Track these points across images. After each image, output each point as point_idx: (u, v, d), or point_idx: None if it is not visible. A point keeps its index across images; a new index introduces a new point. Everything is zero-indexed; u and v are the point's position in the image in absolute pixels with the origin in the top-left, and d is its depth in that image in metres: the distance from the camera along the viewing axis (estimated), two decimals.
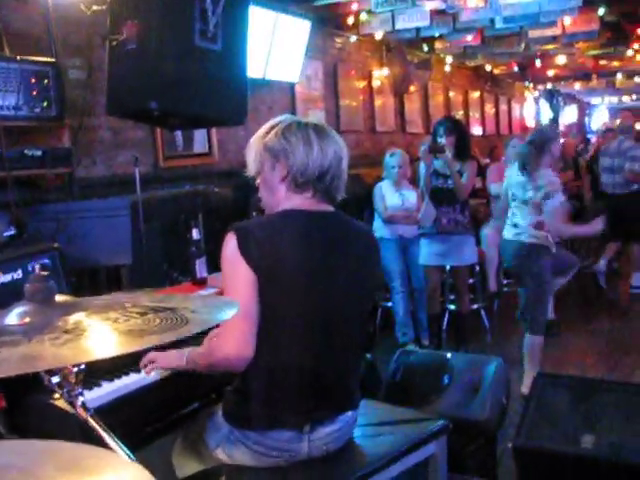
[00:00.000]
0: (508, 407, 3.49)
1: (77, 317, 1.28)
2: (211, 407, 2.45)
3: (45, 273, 1.32)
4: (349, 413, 2.30)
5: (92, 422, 1.38)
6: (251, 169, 2.25)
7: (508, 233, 4.90)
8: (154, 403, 2.46)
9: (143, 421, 2.43)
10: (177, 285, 3.63)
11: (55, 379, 1.42)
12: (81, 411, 1.39)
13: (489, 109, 13.62)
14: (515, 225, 4.84)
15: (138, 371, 2.38)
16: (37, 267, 1.33)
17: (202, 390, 2.64)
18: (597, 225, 4.67)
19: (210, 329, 2.14)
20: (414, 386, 3.48)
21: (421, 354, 4.05)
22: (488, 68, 12.43)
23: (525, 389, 4.73)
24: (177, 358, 2.29)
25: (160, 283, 3.87)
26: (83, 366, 1.39)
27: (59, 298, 1.34)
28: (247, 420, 2.17)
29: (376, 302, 6.36)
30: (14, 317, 1.30)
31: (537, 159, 4.69)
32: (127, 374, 2.37)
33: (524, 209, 4.76)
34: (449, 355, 3.63)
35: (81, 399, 1.41)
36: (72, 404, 1.40)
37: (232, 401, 2.25)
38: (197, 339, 2.16)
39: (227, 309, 1.31)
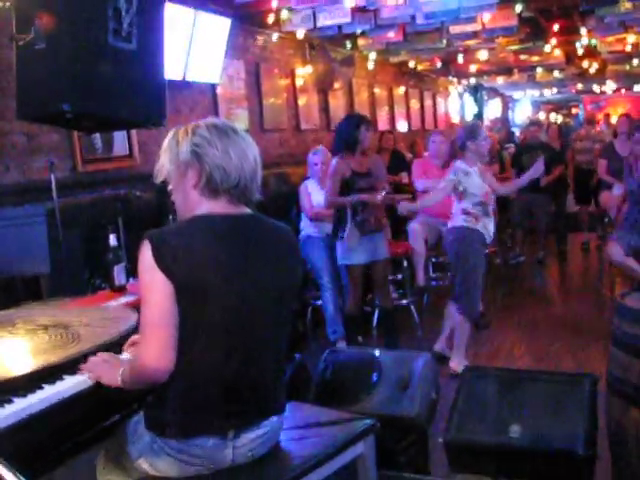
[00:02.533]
0: (438, 401, 3.50)
1: None
2: (132, 417, 2.38)
3: None
4: (274, 418, 2.27)
5: None
6: (161, 175, 2.20)
7: None
8: (73, 417, 2.36)
9: (63, 436, 2.33)
10: (97, 293, 3.53)
11: None
12: None
13: (414, 105, 13.73)
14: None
15: (53, 383, 2.28)
16: None
17: (123, 401, 2.55)
18: None
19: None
20: (344, 385, 3.47)
21: (350, 352, 4.05)
22: (412, 64, 12.52)
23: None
24: (114, 377, 2.22)
25: (81, 291, 3.77)
26: None
27: None
28: (168, 428, 2.12)
29: (306, 300, 6.34)
30: None
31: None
32: (42, 388, 2.27)
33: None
34: (377, 352, 3.62)
35: None
36: None
37: (152, 409, 2.20)
38: None
39: (123, 322, 1.24)
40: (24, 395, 2.15)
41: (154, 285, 2.03)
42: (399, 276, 6.65)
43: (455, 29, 8.80)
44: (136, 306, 2.48)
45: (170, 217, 4.08)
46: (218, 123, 2.19)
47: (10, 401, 2.10)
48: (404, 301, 6.55)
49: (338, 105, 10.11)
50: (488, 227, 5.08)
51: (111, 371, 2.23)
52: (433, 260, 7.40)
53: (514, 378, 3.41)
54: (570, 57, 12.39)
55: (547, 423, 3.08)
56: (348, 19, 7.39)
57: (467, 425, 3.22)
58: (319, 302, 6.09)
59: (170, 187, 2.23)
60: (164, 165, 2.19)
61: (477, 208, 4.99)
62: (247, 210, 2.22)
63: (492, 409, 3.25)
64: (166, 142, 2.20)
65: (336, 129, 5.65)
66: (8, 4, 3.72)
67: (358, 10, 7.45)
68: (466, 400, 3.33)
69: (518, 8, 7.91)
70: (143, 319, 2.07)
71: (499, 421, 3.17)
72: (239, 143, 2.14)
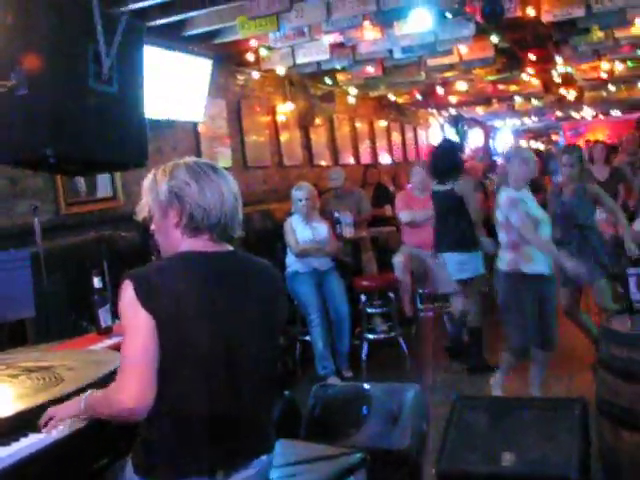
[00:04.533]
0: (428, 432, 3.49)
1: None
2: (121, 459, 2.35)
3: None
4: (264, 457, 2.24)
5: None
6: (142, 213, 2.21)
7: None
8: (61, 462, 2.33)
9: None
10: (82, 336, 3.51)
11: None
12: None
13: (395, 137, 13.87)
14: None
15: (39, 431, 2.26)
16: None
17: (111, 444, 2.52)
18: None
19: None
20: (333, 420, 3.45)
21: (339, 387, 4.03)
22: (392, 97, 12.67)
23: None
24: (74, 406, 2.21)
25: (67, 334, 3.74)
26: None
27: None
28: (155, 471, 2.10)
29: (294, 336, 6.32)
30: None
31: None
32: (26, 435, 2.24)
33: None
34: (367, 385, 3.61)
35: None
36: None
37: (139, 452, 2.16)
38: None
39: (106, 365, 1.24)
40: (7, 444, 2.13)
41: (136, 322, 2.02)
42: (386, 309, 6.65)
43: (433, 62, 8.93)
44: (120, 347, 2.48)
45: (153, 257, 4.08)
46: (196, 162, 2.20)
47: None
48: (392, 333, 6.54)
49: (320, 141, 10.21)
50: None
51: (70, 407, 2.22)
52: (420, 291, 7.42)
53: (504, 405, 3.41)
54: (547, 85, 12.55)
55: (539, 450, 3.07)
56: (327, 56, 7.49)
57: (459, 455, 3.20)
58: (307, 337, 6.07)
59: (152, 227, 2.24)
60: (146, 204, 2.20)
61: None
62: (228, 247, 2.23)
63: (484, 438, 3.24)
64: (146, 182, 2.22)
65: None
66: None
67: (336, 46, 7.54)
68: (457, 430, 3.32)
69: (494, 39, 8.03)
70: (124, 355, 2.06)
71: (491, 450, 3.16)
72: (217, 181, 2.16)
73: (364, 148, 12.05)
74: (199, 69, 6.70)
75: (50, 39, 3.27)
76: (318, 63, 7.99)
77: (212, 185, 2.14)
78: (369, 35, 7.27)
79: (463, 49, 8.29)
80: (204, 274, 2.13)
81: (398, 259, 6.68)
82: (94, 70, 3.43)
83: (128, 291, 2.04)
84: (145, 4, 5.10)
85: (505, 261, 4.56)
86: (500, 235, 4.64)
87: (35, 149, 3.29)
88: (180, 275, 2.09)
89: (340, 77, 9.60)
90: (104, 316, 3.37)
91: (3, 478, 2.01)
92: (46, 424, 2.22)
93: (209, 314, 2.08)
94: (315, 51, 7.39)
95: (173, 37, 6.30)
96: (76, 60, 3.34)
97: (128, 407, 2.01)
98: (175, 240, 2.18)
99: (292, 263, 6.01)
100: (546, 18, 6.63)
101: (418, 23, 6.20)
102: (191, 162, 2.20)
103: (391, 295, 6.50)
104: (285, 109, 9.12)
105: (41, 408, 2.24)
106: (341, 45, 7.55)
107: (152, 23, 5.50)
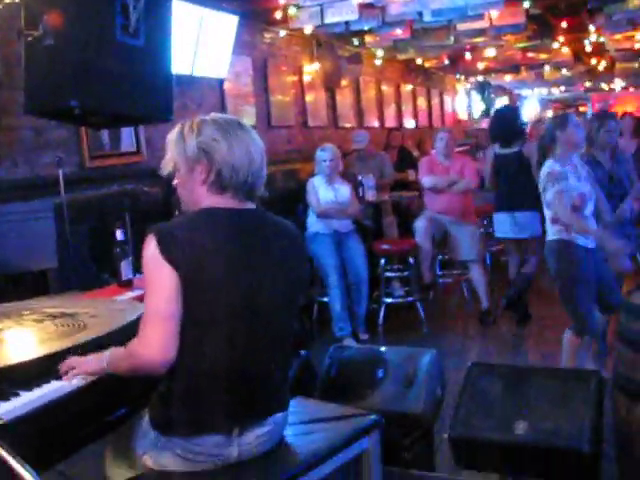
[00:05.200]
0: (444, 398, 3.50)
1: None
2: (139, 412, 2.38)
3: None
4: (278, 414, 2.26)
5: None
6: (166, 168, 2.20)
7: None
8: (80, 410, 2.37)
9: (70, 428, 2.34)
10: (104, 287, 3.54)
11: None
12: None
13: (421, 102, 13.73)
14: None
15: (60, 378, 2.30)
16: None
17: (130, 395, 2.56)
18: None
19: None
20: (349, 382, 3.47)
21: (355, 349, 4.05)
22: (419, 61, 12.50)
23: None
24: (97, 362, 2.22)
25: (89, 286, 3.77)
26: None
27: None
28: (172, 426, 2.12)
29: (312, 297, 6.35)
30: None
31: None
32: (48, 382, 2.28)
33: None
34: (383, 349, 3.62)
35: None
36: None
37: (157, 406, 2.19)
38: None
39: (129, 313, 1.25)
40: (30, 389, 2.16)
41: (159, 276, 2.02)
42: (405, 273, 6.66)
43: (462, 26, 8.76)
44: (143, 300, 2.49)
45: (176, 212, 4.09)
46: (224, 119, 2.18)
47: (17, 394, 2.11)
48: (410, 298, 6.56)
49: (345, 102, 10.12)
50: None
51: (92, 362, 2.23)
52: (440, 257, 7.41)
53: (520, 374, 3.40)
54: (578, 55, 12.35)
55: (553, 420, 3.07)
56: (355, 16, 7.38)
57: (472, 421, 3.21)
58: (325, 299, 6.09)
59: (175, 181, 2.23)
60: (171, 159, 2.18)
61: None
62: (251, 205, 2.21)
63: (498, 405, 3.24)
64: (172, 136, 2.19)
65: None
66: (17, 0, 3.73)
67: (366, 7, 7.44)
68: (472, 396, 3.32)
69: (526, 5, 7.88)
70: (146, 309, 2.07)
71: (504, 418, 3.16)
72: (245, 139, 2.14)
73: (389, 111, 11.95)
74: (225, 25, 6.64)
75: None
76: (346, 23, 7.87)
77: (240, 143, 2.11)
78: None
79: (494, 14, 8.13)
80: (227, 230, 2.12)
81: (419, 224, 6.66)
82: (121, 22, 3.41)
83: (151, 245, 2.04)
84: None
85: (552, 231, 4.44)
86: (544, 208, 4.49)
87: (60, 100, 3.29)
88: (203, 230, 2.09)
89: (368, 38, 9.47)
90: (125, 269, 3.39)
91: (24, 424, 2.03)
92: (66, 372, 2.25)
93: (231, 270, 2.08)
94: (344, 10, 7.28)
95: None
96: (103, 12, 3.32)
97: (151, 360, 2.03)
98: (199, 196, 2.16)
99: (313, 224, 6.01)
100: None
101: None
102: (219, 118, 2.17)
103: (411, 260, 6.49)
104: (311, 69, 9.04)
105: (64, 354, 2.26)
106: (370, 5, 7.43)
107: None
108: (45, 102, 3.39)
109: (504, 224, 6.32)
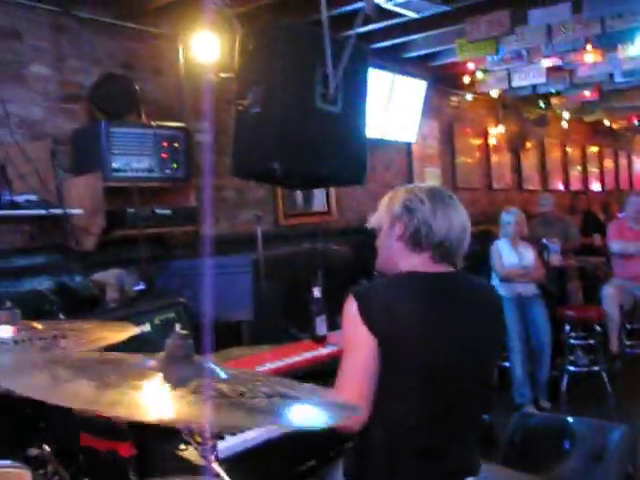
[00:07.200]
0: (635, 477, 3.33)
1: (206, 381, 1.31)
2: (329, 465, 2.45)
3: (184, 332, 1.38)
4: (470, 478, 2.24)
5: (223, 475, 1.43)
6: (371, 223, 2.31)
7: None
8: (272, 458, 2.49)
9: (261, 477, 2.46)
10: (296, 342, 3.68)
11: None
12: (214, 464, 1.44)
13: (608, 164, 13.29)
14: None
15: None
16: (177, 326, 1.39)
17: (320, 447, 2.65)
18: None
19: None
20: (533, 450, 3.37)
21: (540, 417, 3.94)
22: (607, 122, 12.15)
23: None
24: None
25: (278, 339, 3.91)
26: None
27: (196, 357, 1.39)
28: (367, 478, 2.16)
29: (495, 364, 6.24)
30: (151, 366, 1.36)
31: None
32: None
33: None
34: (570, 419, 3.51)
35: (214, 452, 1.45)
36: (205, 457, 1.45)
37: (351, 461, 2.25)
38: None
39: (343, 414, 1.32)
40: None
41: (357, 338, 2.09)
42: (591, 341, 6.40)
43: None
44: (336, 357, 2.59)
45: (375, 273, 4.21)
46: (438, 188, 2.28)
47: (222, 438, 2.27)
48: (595, 368, 6.29)
49: (530, 165, 10.01)
50: None
51: None
52: (628, 327, 7.06)
53: None
54: None
55: None
56: (543, 79, 7.35)
57: None
58: (506, 363, 5.98)
59: (377, 242, 2.33)
60: (378, 217, 2.29)
61: None
62: (450, 268, 2.24)
63: None
64: (386, 197, 2.31)
65: None
66: (231, 75, 4.06)
67: (554, 70, 7.39)
68: None
69: None
70: (343, 370, 2.13)
71: None
72: (450, 207, 2.20)
73: (574, 174, 11.66)
74: (414, 90, 6.82)
75: (284, 63, 3.47)
76: (533, 86, 7.86)
77: (444, 209, 2.18)
78: (589, 58, 7.04)
79: None
80: (428, 296, 2.17)
81: (607, 291, 6.40)
82: (321, 91, 3.60)
83: (352, 307, 2.10)
84: (369, 28, 5.29)
85: None
86: None
87: (264, 163, 3.51)
88: (404, 296, 2.14)
89: (554, 100, 9.38)
90: (320, 325, 3.51)
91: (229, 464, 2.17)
92: None
93: (431, 336, 2.11)
94: (532, 74, 7.28)
95: (391, 59, 6.47)
96: (306, 82, 3.52)
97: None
98: (396, 253, 2.24)
99: (496, 287, 5.94)
100: None
101: None
102: (430, 187, 2.27)
103: (597, 328, 6.24)
104: (496, 132, 9.05)
105: None
106: (558, 68, 7.38)
107: (374, 46, 5.69)
108: (250, 165, 3.62)
109: None
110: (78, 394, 1.22)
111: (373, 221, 2.32)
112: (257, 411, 1.25)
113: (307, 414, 1.35)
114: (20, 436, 2.20)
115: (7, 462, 1.65)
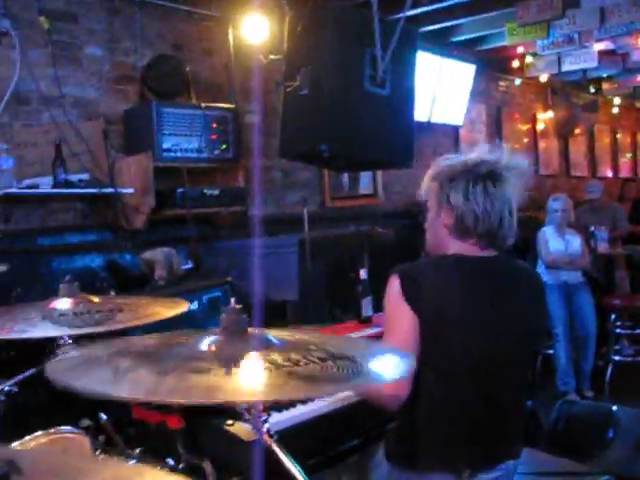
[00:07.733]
0: None
1: (261, 354, 1.33)
2: (371, 445, 2.48)
3: (239, 306, 1.40)
4: (510, 462, 2.25)
5: (276, 448, 1.46)
6: (423, 197, 2.30)
7: None
8: (314, 438, 2.51)
9: (304, 454, 2.49)
10: (341, 323, 3.71)
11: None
12: (266, 437, 1.47)
13: None
14: None
15: (304, 403, 2.47)
16: (233, 301, 1.42)
17: (363, 428, 2.67)
18: None
19: None
20: (576, 438, 3.37)
21: (584, 405, 3.92)
22: None
23: None
24: None
25: (322, 320, 3.94)
26: None
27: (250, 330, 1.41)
28: (408, 460, 2.16)
29: (537, 348, 6.21)
30: (207, 345, 1.39)
31: None
32: (294, 406, 2.45)
33: None
34: (615, 408, 3.48)
35: (266, 425, 1.49)
36: (258, 429, 1.48)
37: (394, 440, 2.26)
38: None
39: (400, 369, 1.32)
40: (280, 410, 2.37)
41: (400, 316, 2.09)
42: (637, 331, 6.33)
43: None
44: (381, 337, 2.61)
45: (422, 253, 4.21)
46: (485, 162, 2.18)
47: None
48: None
49: (578, 151, 9.87)
50: None
51: None
52: None
53: None
54: None
55: None
56: (595, 64, 7.23)
57: None
58: (550, 351, 5.94)
59: (425, 225, 2.34)
60: (426, 193, 2.28)
61: None
62: (494, 252, 2.22)
63: None
64: (429, 175, 2.29)
65: None
66: (279, 56, 4.08)
67: (606, 54, 7.27)
68: None
69: None
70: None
71: None
72: (494, 193, 2.15)
73: (624, 161, 11.46)
74: (462, 74, 6.78)
75: (333, 45, 3.48)
76: (584, 71, 7.74)
77: (486, 195, 2.14)
78: None
79: None
80: (471, 278, 2.17)
81: None
82: (369, 73, 3.60)
83: (394, 285, 2.11)
84: (418, 11, 5.27)
85: None
86: None
87: (312, 144, 3.53)
88: (445, 277, 2.15)
89: (605, 86, 9.22)
90: (366, 307, 3.54)
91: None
92: None
93: (472, 318, 2.11)
94: (583, 58, 7.17)
95: (439, 42, 6.43)
96: (354, 64, 3.52)
97: (387, 395, 2.07)
98: (442, 239, 2.23)
99: (541, 274, 5.89)
100: None
101: None
102: (482, 162, 2.18)
103: None
104: (545, 117, 8.94)
105: None
106: (611, 52, 7.26)
107: (422, 29, 5.66)
108: (298, 146, 3.64)
109: None
110: (138, 385, 1.20)
111: (423, 195, 2.30)
112: (314, 379, 1.23)
113: (365, 376, 1.33)
114: (74, 409, 2.26)
115: (68, 428, 1.71)
